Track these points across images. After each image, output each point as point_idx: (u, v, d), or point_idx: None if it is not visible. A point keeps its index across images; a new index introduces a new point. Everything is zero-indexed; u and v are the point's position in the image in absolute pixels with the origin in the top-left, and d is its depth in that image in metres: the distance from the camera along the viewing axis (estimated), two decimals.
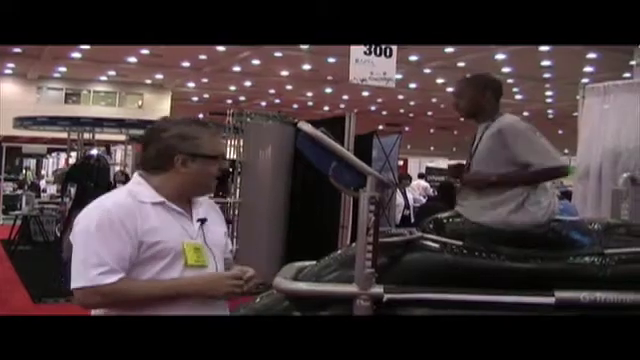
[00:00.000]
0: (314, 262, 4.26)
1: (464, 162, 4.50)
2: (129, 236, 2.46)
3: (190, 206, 2.67)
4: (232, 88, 31.63)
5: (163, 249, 2.49)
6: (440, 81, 27.46)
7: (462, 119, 4.55)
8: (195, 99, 35.40)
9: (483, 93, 4.29)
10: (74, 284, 2.45)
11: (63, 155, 21.18)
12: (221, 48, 22.45)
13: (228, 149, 11.13)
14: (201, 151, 2.61)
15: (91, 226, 2.47)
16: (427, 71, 25.45)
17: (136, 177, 2.66)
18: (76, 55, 24.94)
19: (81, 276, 2.43)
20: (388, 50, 8.60)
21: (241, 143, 10.40)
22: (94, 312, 2.56)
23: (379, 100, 33.76)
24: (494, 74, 4.72)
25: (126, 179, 9.76)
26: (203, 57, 24.47)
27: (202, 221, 2.64)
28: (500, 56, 22.03)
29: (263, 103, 34.94)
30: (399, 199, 12.45)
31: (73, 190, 11.67)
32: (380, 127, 29.48)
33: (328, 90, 30.80)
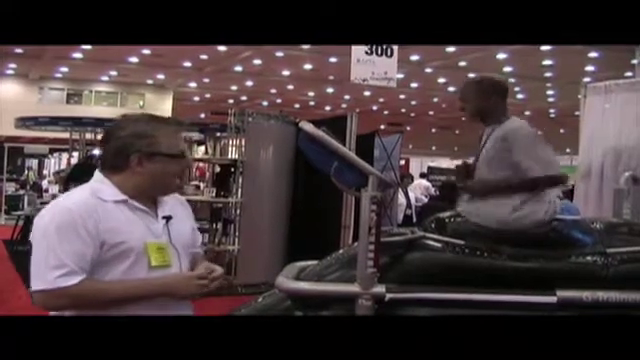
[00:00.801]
0: (316, 262, 4.26)
1: (469, 161, 4.49)
2: (90, 236, 2.39)
3: (155, 203, 2.61)
4: (234, 88, 31.63)
5: (126, 249, 2.44)
6: (441, 81, 27.48)
7: (464, 119, 4.55)
8: (196, 99, 35.39)
9: (489, 96, 4.28)
10: (34, 286, 2.39)
11: (65, 155, 21.17)
12: (222, 48, 22.46)
13: (230, 149, 11.14)
14: (158, 149, 2.54)
15: (51, 226, 2.41)
16: (428, 71, 25.45)
17: (97, 175, 2.60)
18: (77, 55, 24.95)
19: (40, 278, 2.37)
20: (389, 50, 8.62)
21: (243, 143, 10.39)
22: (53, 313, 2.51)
23: (380, 100, 33.75)
24: (499, 75, 4.70)
25: None
26: (204, 57, 24.46)
27: (167, 219, 2.59)
28: (501, 55, 22.03)
29: (265, 103, 34.94)
30: (401, 199, 12.47)
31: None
32: (382, 127, 29.51)
33: (330, 90, 30.81)
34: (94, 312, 2.43)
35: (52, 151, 24.86)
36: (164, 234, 2.56)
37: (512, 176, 4.07)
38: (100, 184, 2.56)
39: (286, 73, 27.63)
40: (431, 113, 37.79)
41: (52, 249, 2.38)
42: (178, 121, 2.73)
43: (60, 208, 2.47)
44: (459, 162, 4.61)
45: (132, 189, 2.54)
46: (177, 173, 2.59)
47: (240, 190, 10.21)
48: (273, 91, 32.22)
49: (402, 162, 17.06)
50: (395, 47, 8.67)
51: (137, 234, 2.48)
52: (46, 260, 2.37)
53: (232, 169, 10.48)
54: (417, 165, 26.43)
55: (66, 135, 18.75)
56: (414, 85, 28.43)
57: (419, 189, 16.39)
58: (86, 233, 2.39)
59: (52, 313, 2.49)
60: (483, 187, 4.15)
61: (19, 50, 23.97)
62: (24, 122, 19.22)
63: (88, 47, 22.67)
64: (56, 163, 25.46)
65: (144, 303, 2.45)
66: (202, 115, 34.35)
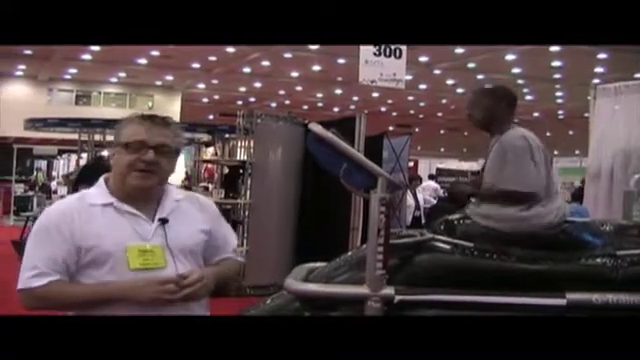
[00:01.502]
0: (325, 263, 4.26)
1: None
2: (63, 240, 2.43)
3: (152, 205, 2.58)
4: (242, 89, 31.67)
5: (101, 253, 2.44)
6: (450, 82, 27.46)
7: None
8: (205, 100, 35.46)
9: (495, 107, 4.28)
10: (17, 287, 2.48)
11: (74, 156, 21.22)
12: (231, 49, 22.49)
13: (238, 150, 11.14)
14: (118, 140, 2.56)
15: (34, 230, 2.53)
16: (437, 72, 25.43)
17: (100, 180, 2.63)
18: (86, 57, 25.02)
19: (19, 279, 2.46)
20: (398, 51, 8.59)
21: (251, 144, 10.39)
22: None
23: (389, 101, 33.75)
24: (509, 86, 4.70)
25: None
26: (213, 58, 24.50)
27: (163, 221, 2.55)
28: (510, 57, 22.01)
29: (273, 104, 34.98)
30: (410, 200, 12.46)
31: (85, 191, 11.70)
32: (390, 128, 29.54)
33: (338, 91, 30.82)
34: (64, 313, 2.50)
35: (61, 152, 24.91)
36: (157, 236, 2.52)
37: (488, 187, 4.17)
38: (95, 188, 2.60)
39: (294, 74, 27.66)
40: (440, 114, 37.77)
41: (28, 252, 2.48)
42: (159, 117, 2.63)
43: (43, 213, 2.57)
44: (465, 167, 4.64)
45: (116, 190, 2.56)
46: (129, 164, 2.52)
47: (249, 191, 10.20)
48: (281, 92, 32.26)
49: (411, 164, 17.04)
50: (404, 48, 8.64)
51: (116, 238, 2.46)
52: (24, 262, 2.47)
53: (241, 170, 10.47)
54: (426, 167, 26.37)
55: (75, 136, 18.78)
56: (423, 86, 28.41)
57: (428, 191, 16.37)
58: (59, 237, 2.44)
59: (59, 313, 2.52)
60: (461, 191, 4.20)
61: (28, 51, 24.06)
62: (33, 123, 19.28)
63: (97, 48, 22.75)
64: (65, 164, 25.51)
65: (118, 306, 2.42)
66: (211, 116, 34.41)
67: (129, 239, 2.48)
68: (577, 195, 8.81)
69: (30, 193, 20.92)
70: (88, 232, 2.45)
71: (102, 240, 2.44)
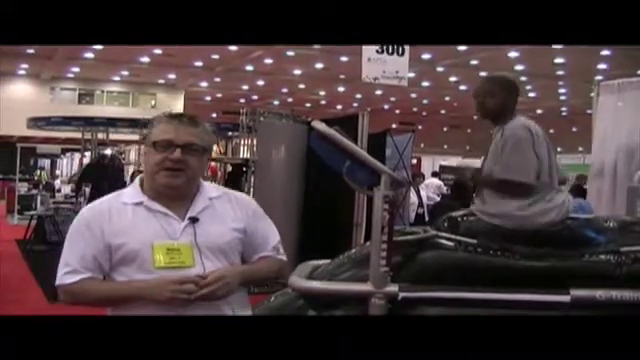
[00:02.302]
0: (328, 261, 4.26)
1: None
2: (94, 238, 2.51)
3: (185, 203, 2.59)
4: (245, 87, 31.71)
5: (129, 251, 2.47)
6: (453, 79, 27.47)
7: (476, 117, 4.53)
8: (208, 99, 35.51)
9: (511, 97, 4.28)
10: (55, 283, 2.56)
11: (77, 155, 21.24)
12: (233, 47, 22.51)
13: (241, 148, 11.14)
14: (149, 139, 2.59)
15: (70, 228, 2.61)
16: (440, 69, 25.46)
17: (136, 179, 2.68)
18: (89, 55, 25.08)
19: (57, 275, 2.54)
20: (401, 49, 8.58)
21: (254, 142, 10.40)
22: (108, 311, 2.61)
23: (392, 99, 33.76)
24: (511, 75, 4.70)
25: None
26: (216, 56, 24.53)
27: (193, 220, 2.56)
28: (513, 54, 22.02)
29: (276, 102, 35.02)
30: (413, 197, 12.44)
31: (88, 190, 11.72)
32: (393, 126, 29.48)
33: (341, 89, 30.84)
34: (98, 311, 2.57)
35: (64, 151, 24.93)
36: (185, 235, 2.53)
37: (488, 175, 4.16)
38: (130, 187, 2.67)
39: (297, 72, 27.68)
40: (443, 112, 37.80)
41: (64, 249, 2.57)
42: (187, 116, 2.65)
43: (79, 213, 2.64)
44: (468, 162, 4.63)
45: (148, 189, 2.60)
46: (158, 163, 2.54)
47: (252, 189, 10.21)
48: (284, 90, 32.28)
49: (414, 161, 17.05)
50: (406, 46, 8.63)
51: (144, 236, 2.49)
52: (61, 259, 2.55)
53: (244, 168, 10.49)
54: (429, 164, 26.38)
55: (78, 135, 18.83)
56: (425, 84, 28.43)
57: (431, 188, 16.37)
58: (90, 235, 2.52)
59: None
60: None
61: (31, 50, 24.10)
62: (36, 122, 19.34)
63: (99, 47, 22.78)
64: (68, 163, 25.54)
65: (144, 306, 2.45)
66: (213, 115, 34.40)
67: (156, 237, 2.50)
68: (580, 191, 8.77)
69: (34, 192, 20.90)
70: (117, 230, 2.50)
71: (129, 238, 2.49)
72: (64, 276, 2.50)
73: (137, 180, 2.66)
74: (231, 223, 2.65)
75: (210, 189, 2.71)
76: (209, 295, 2.46)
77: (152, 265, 2.46)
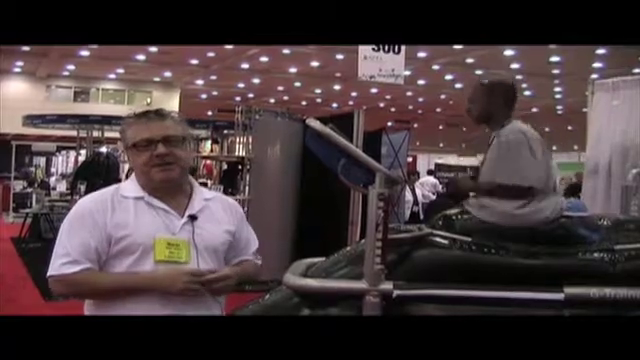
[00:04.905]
0: (323, 258, 4.27)
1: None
2: (97, 229, 2.51)
3: (182, 201, 2.65)
4: (241, 85, 31.63)
5: (132, 243, 2.50)
6: (449, 77, 27.43)
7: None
8: (204, 96, 35.41)
9: (493, 100, 4.28)
10: (47, 273, 2.54)
11: (72, 153, 21.21)
12: (229, 45, 22.47)
13: (237, 146, 11.14)
14: (126, 142, 2.63)
15: (68, 218, 2.59)
16: (436, 67, 25.41)
17: (132, 175, 2.71)
18: (84, 53, 24.98)
19: (50, 265, 2.52)
20: (397, 47, 8.58)
21: (250, 140, 10.40)
22: (85, 308, 2.63)
23: (388, 97, 33.71)
24: (508, 78, 4.69)
25: None
26: (211, 54, 24.47)
27: (192, 217, 2.61)
28: (509, 52, 22.00)
29: (272, 100, 34.93)
30: (408, 196, 12.47)
31: (83, 187, 11.72)
32: (389, 124, 29.45)
33: (337, 87, 30.78)
34: (98, 304, 2.57)
35: (60, 149, 24.90)
36: (184, 232, 2.58)
37: (486, 182, 4.17)
38: (128, 181, 2.69)
39: (293, 70, 27.62)
40: (438, 110, 37.73)
41: (62, 240, 2.54)
42: (152, 111, 2.67)
43: (78, 203, 2.63)
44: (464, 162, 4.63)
45: (144, 185, 2.62)
46: (146, 162, 2.58)
47: (247, 187, 10.21)
48: (280, 88, 32.21)
49: (409, 159, 17.05)
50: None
51: (146, 229, 2.53)
52: (56, 249, 2.54)
53: (239, 166, 10.49)
54: (424, 162, 26.45)
55: (73, 133, 18.81)
56: (421, 82, 28.37)
57: (427, 186, 16.39)
58: (93, 226, 2.52)
59: (86, 309, 2.63)
60: (460, 187, 4.19)
61: (26, 48, 23.99)
62: (31, 120, 19.30)
63: (95, 45, 22.71)
64: (63, 161, 25.50)
65: (147, 297, 2.49)
66: (209, 112, 34.37)
67: (158, 232, 2.54)
68: (575, 189, 8.79)
69: (29, 190, 20.89)
70: (120, 222, 2.53)
71: (132, 230, 2.52)
72: (63, 266, 2.48)
73: (133, 175, 2.68)
74: (224, 225, 2.72)
75: (204, 191, 2.79)
76: (216, 290, 2.56)
77: (152, 258, 2.50)
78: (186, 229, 2.58)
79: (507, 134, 4.13)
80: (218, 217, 2.71)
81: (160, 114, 2.65)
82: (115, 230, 2.51)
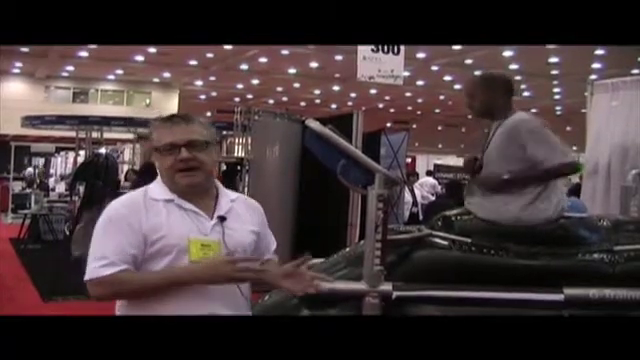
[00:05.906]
0: (323, 260, 4.26)
1: (478, 156, 4.44)
2: (132, 231, 2.51)
3: (210, 203, 2.67)
4: (240, 86, 31.66)
5: (167, 245, 2.52)
6: (448, 78, 27.47)
7: (470, 117, 4.54)
8: (203, 97, 35.44)
9: (495, 92, 4.28)
10: (85, 277, 2.52)
11: (71, 154, 21.19)
12: (228, 46, 22.47)
13: (236, 147, 11.13)
14: (154, 146, 2.65)
15: (101, 223, 2.58)
16: (435, 68, 25.45)
17: (158, 177, 2.71)
18: (83, 54, 25.02)
19: (87, 269, 2.51)
20: (396, 47, 8.57)
21: (249, 141, 10.38)
22: (117, 309, 2.64)
23: (387, 97, 33.75)
24: (504, 71, 4.71)
25: (138, 177, 9.74)
26: (210, 55, 24.50)
27: (222, 219, 2.64)
28: (508, 53, 22.03)
29: (271, 101, 34.93)
30: (407, 196, 12.45)
31: (82, 189, 11.70)
32: (388, 124, 29.47)
33: (336, 88, 30.81)
34: (136, 303, 2.56)
35: (58, 150, 24.87)
36: (215, 233, 2.61)
37: (525, 169, 4.07)
38: (155, 184, 2.69)
39: (292, 71, 27.66)
40: (437, 111, 37.78)
41: (97, 243, 2.55)
42: (178, 116, 2.71)
43: (110, 206, 2.63)
44: (468, 156, 4.58)
45: (171, 188, 2.64)
46: (170, 166, 2.60)
47: (246, 188, 10.20)
48: (279, 89, 32.23)
49: (408, 160, 17.05)
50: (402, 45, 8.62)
51: (180, 231, 2.55)
52: (93, 253, 2.53)
53: (238, 167, 10.47)
54: (423, 163, 26.44)
55: (72, 134, 18.79)
56: (420, 83, 28.41)
57: (425, 187, 16.38)
58: (128, 228, 2.52)
59: (117, 310, 2.64)
60: (497, 181, 4.11)
61: (25, 49, 24.02)
62: (30, 121, 19.27)
63: (94, 46, 22.70)
64: (62, 162, 25.47)
65: (185, 293, 2.51)
66: (208, 113, 34.36)
67: (190, 233, 2.56)
68: (574, 189, 8.79)
69: (28, 191, 20.86)
70: (155, 224, 2.54)
71: (167, 232, 2.53)
72: (100, 269, 2.47)
73: (159, 178, 2.69)
74: (250, 226, 2.77)
75: (229, 192, 2.81)
76: (257, 279, 2.63)
77: (187, 259, 2.52)
78: (216, 230, 2.61)
79: (523, 120, 4.13)
80: (244, 218, 2.75)
81: (186, 118, 2.67)
82: (151, 232, 2.52)
